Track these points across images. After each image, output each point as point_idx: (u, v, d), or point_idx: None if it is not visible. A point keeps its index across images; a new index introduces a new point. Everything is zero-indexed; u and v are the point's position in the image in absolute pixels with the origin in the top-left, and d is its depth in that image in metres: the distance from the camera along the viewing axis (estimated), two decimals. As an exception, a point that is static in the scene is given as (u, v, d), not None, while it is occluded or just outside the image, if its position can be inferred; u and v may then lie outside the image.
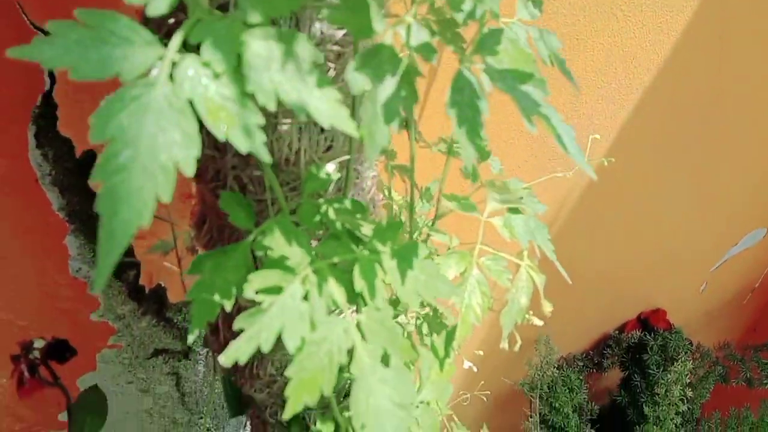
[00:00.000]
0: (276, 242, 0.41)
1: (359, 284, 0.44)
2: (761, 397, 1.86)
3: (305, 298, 0.41)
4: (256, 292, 0.40)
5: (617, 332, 1.83)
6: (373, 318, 0.44)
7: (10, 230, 0.93)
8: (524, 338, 1.71)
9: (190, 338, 0.46)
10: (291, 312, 0.40)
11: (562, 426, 1.71)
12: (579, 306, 1.76)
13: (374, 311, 0.44)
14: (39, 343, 0.90)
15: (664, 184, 1.56)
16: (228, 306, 0.45)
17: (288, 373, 0.41)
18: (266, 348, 0.39)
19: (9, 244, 0.95)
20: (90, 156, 0.89)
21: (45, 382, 0.92)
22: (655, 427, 1.66)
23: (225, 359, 0.39)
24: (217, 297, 0.46)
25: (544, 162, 1.23)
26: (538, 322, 0.66)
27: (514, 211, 0.65)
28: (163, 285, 1.08)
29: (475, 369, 0.81)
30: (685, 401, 1.62)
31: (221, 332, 0.79)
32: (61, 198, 0.92)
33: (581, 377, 1.77)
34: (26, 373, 0.88)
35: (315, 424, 0.78)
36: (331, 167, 0.50)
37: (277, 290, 0.41)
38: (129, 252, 1.02)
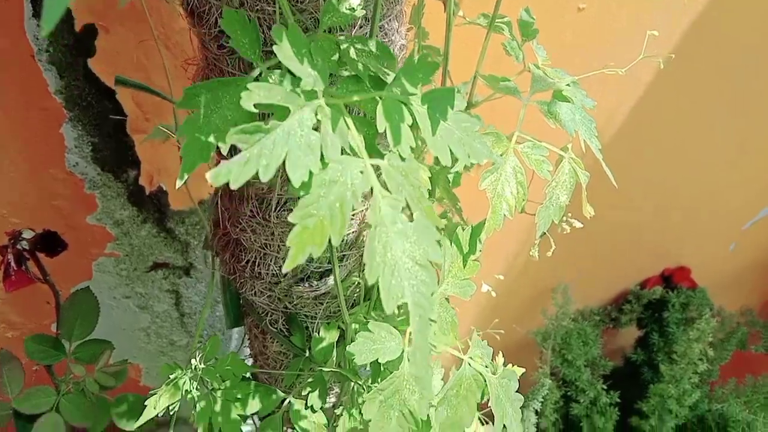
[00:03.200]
0: (283, 53, 0.34)
1: (382, 125, 0.36)
2: (780, 367, 1.79)
3: (316, 129, 0.34)
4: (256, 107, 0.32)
5: (638, 287, 1.75)
6: (396, 167, 0.36)
7: (2, 112, 0.86)
8: (541, 287, 1.64)
9: (179, 182, 0.39)
10: (298, 140, 0.33)
11: (573, 380, 1.64)
12: (601, 257, 1.69)
13: (398, 159, 0.36)
14: (28, 234, 0.84)
15: (701, 134, 1.47)
16: (224, 148, 0.37)
17: (292, 218, 0.34)
18: (265, 175, 0.32)
19: (1, 128, 0.88)
20: (90, 31, 0.82)
21: (33, 276, 0.85)
22: (670, 386, 1.59)
23: (213, 177, 0.32)
24: (212, 138, 0.38)
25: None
26: (578, 224, 0.58)
27: (560, 97, 0.57)
28: (164, 188, 1.01)
29: (493, 293, 0.74)
30: (705, 360, 1.55)
31: (219, 239, 0.72)
32: (59, 79, 0.85)
33: (597, 332, 1.70)
34: (13, 264, 0.82)
35: (318, 332, 0.72)
36: (355, 0, 0.42)
37: (282, 113, 0.33)
38: (129, 148, 0.95)
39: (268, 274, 0.69)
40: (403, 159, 0.37)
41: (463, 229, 0.56)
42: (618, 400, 1.63)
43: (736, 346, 1.76)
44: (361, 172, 0.34)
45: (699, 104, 1.39)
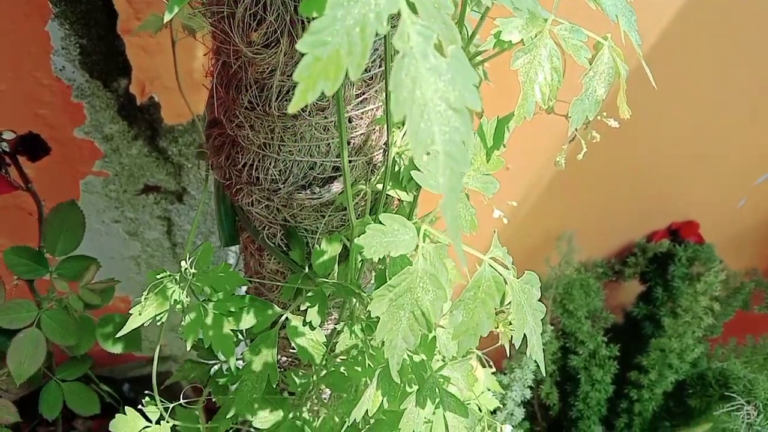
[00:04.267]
0: None
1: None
2: (782, 328, 1.76)
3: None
4: None
5: (644, 241, 1.71)
6: (428, -4, 0.30)
7: (-19, 3, 0.79)
8: (546, 234, 1.59)
9: (167, 16, 0.33)
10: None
11: (573, 331, 1.60)
12: (607, 208, 1.63)
13: (430, -12, 0.30)
14: (8, 135, 0.78)
15: (716, 86, 1.40)
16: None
17: (301, 46, 0.28)
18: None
19: (-20, 21, 0.81)
20: None
21: (14, 183, 0.80)
22: (672, 340, 1.56)
23: None
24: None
25: None
26: (614, 124, 0.52)
27: (600, -20, 0.50)
28: (156, 100, 0.95)
29: (505, 220, 0.68)
30: (711, 315, 1.51)
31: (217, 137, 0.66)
32: (43, -33, 0.78)
33: (599, 284, 1.65)
34: (-8, 167, 0.76)
35: (320, 246, 0.67)
36: None
37: None
38: (120, 53, 0.88)
39: (266, 179, 0.64)
40: (436, -10, 0.31)
41: (488, 120, 0.50)
42: (617, 354, 1.60)
43: (741, 304, 1.73)
44: (389, -10, 0.28)
45: (719, 49, 1.32)
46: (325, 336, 0.71)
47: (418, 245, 0.44)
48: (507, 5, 0.34)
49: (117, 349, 0.87)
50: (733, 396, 1.54)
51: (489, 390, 1.04)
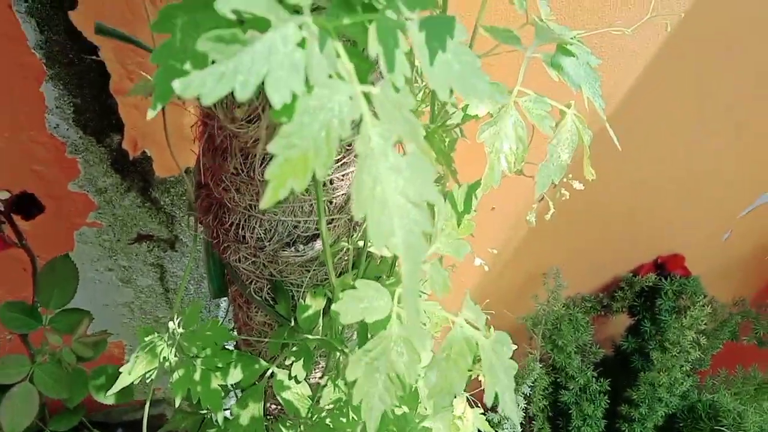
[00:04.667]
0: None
1: (374, 49, 0.33)
2: (771, 359, 1.77)
3: (301, 45, 0.31)
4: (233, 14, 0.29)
5: (631, 275, 1.73)
6: (389, 97, 0.33)
7: (-22, 68, 0.82)
8: (533, 271, 1.62)
9: (151, 113, 0.36)
10: (281, 58, 0.30)
11: (564, 366, 1.62)
12: (593, 243, 1.66)
13: (391, 89, 0.33)
14: (3, 195, 0.80)
15: (698, 118, 1.44)
16: (189, 96, 0.34)
17: (272, 148, 0.31)
18: (241, 95, 0.29)
19: (-23, 85, 0.84)
20: (72, -18, 0.78)
21: (8, 240, 0.82)
22: (661, 374, 1.57)
23: (182, 86, 0.29)
24: (188, 65, 0.35)
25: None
26: (579, 186, 0.55)
27: (565, 51, 0.54)
28: (149, 154, 0.98)
29: (486, 267, 0.71)
30: (698, 348, 1.53)
31: (203, 200, 0.69)
32: (39, 33, 0.81)
33: (588, 318, 1.67)
34: (-13, 227, 0.78)
35: (304, 300, 0.69)
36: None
37: (263, 26, 0.30)
38: (112, 111, 0.91)
39: (252, 237, 0.66)
40: (397, 90, 0.34)
41: (459, 187, 0.53)
42: (608, 388, 1.61)
43: (729, 335, 1.74)
44: (351, 98, 0.31)
45: (697, 88, 1.36)
46: (312, 385, 0.73)
47: (392, 310, 0.46)
48: (464, 96, 0.37)
49: (109, 400, 0.88)
50: (723, 430, 1.55)
51: (479, 431, 1.05)
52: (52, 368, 0.86)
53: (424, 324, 0.50)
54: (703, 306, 1.50)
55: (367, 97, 0.32)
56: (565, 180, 0.55)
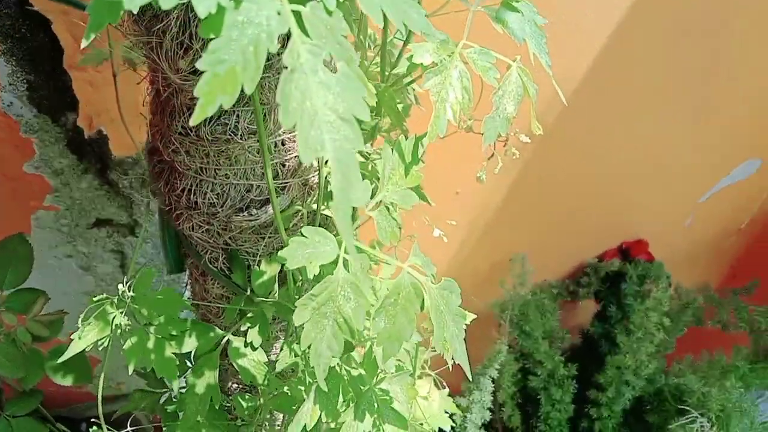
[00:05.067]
0: None
1: (304, -31, 0.33)
2: (734, 343, 1.80)
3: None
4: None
5: (596, 260, 1.75)
6: (321, 18, 0.33)
7: (-75, 42, 0.81)
8: (499, 257, 1.63)
9: (84, 43, 0.36)
10: (205, -32, 0.30)
11: (531, 352, 1.63)
12: (558, 229, 1.68)
13: (323, 11, 0.33)
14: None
15: (657, 104, 1.46)
16: (134, 6, 0.34)
17: (200, 64, 0.30)
18: (163, 5, 0.29)
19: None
20: (19, -49, 0.77)
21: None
22: (627, 356, 1.59)
23: None
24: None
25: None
26: (525, 139, 0.56)
27: (510, 7, 0.54)
28: (104, 132, 0.96)
29: (445, 239, 0.71)
30: (662, 330, 1.55)
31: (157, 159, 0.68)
32: (-14, 5, 0.80)
33: (555, 304, 1.69)
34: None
35: (259, 266, 0.68)
36: None
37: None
38: (67, 88, 0.90)
39: (204, 203, 0.66)
40: (329, 12, 0.34)
41: (406, 138, 0.53)
42: (576, 373, 1.63)
43: (692, 318, 1.77)
44: (279, 13, 0.31)
45: (655, 69, 1.38)
46: (273, 359, 0.72)
47: (338, 255, 0.46)
48: (400, 27, 0.37)
49: (67, 381, 0.87)
50: (688, 409, 1.57)
51: (446, 412, 1.05)
52: (6, 348, 0.84)
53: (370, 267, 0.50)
54: (666, 288, 1.53)
55: (297, 16, 0.32)
56: (512, 134, 0.55)
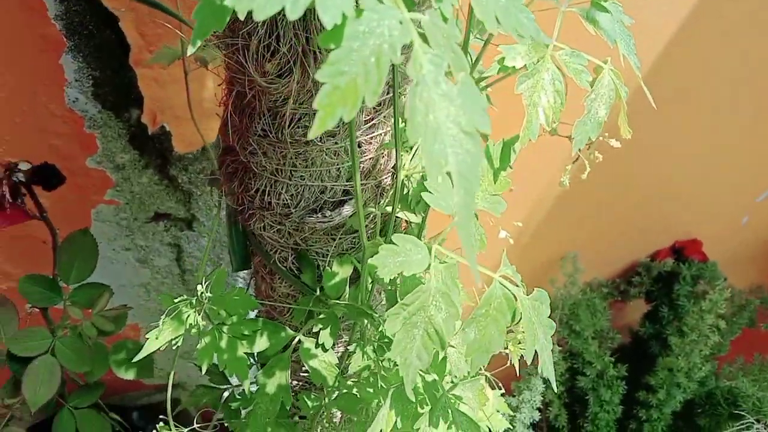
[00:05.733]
0: None
1: (423, -23, 0.32)
2: (788, 346, 1.75)
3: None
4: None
5: (648, 260, 1.71)
6: (439, 26, 0.32)
7: (0, 38, 0.81)
8: (550, 256, 1.60)
9: (190, 50, 0.35)
10: (331, -23, 0.29)
11: (580, 351, 1.61)
12: (611, 228, 1.65)
13: (440, 19, 0.32)
14: (24, 166, 0.79)
15: (716, 101, 1.42)
16: (241, 13, 0.33)
17: (320, 76, 0.30)
18: (293, 12, 0.28)
19: (-3, 56, 0.83)
20: (93, -51, 0.77)
21: (29, 212, 0.81)
22: (679, 359, 1.56)
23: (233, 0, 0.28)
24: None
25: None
26: (616, 144, 0.54)
27: (599, 6, 0.52)
28: (167, 129, 0.97)
29: (511, 240, 0.70)
30: (717, 333, 1.51)
31: (229, 165, 0.68)
32: (58, 3, 0.80)
33: (605, 303, 1.66)
34: (8, 197, 0.78)
35: (331, 268, 0.68)
36: None
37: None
38: (132, 84, 0.90)
39: (278, 204, 0.65)
40: (445, 20, 0.32)
41: (494, 143, 0.52)
42: (625, 374, 1.60)
43: (747, 321, 1.73)
44: (401, 23, 0.30)
45: (717, 69, 1.34)
46: (336, 358, 0.72)
47: (430, 264, 0.45)
48: (512, 33, 0.36)
49: (130, 375, 0.88)
50: (742, 414, 1.53)
51: (498, 411, 1.04)
52: (73, 342, 0.85)
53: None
54: (722, 290, 1.49)
55: (415, 24, 0.31)
56: (600, 139, 0.54)
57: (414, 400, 0.52)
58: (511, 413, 1.39)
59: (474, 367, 0.47)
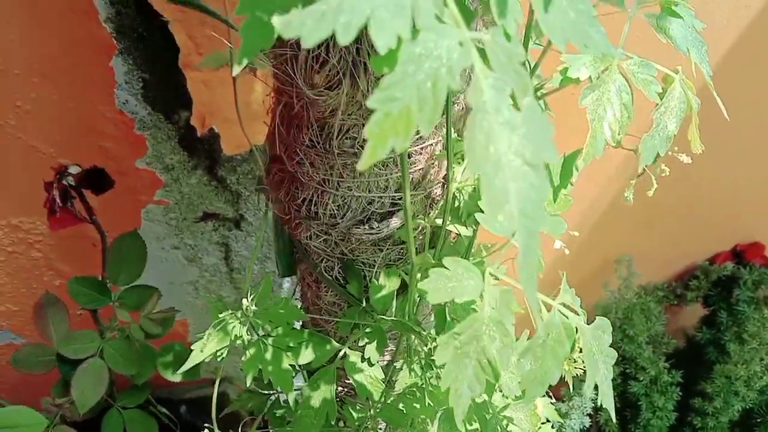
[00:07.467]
0: None
1: (484, -6, 0.29)
2: None
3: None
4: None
5: (707, 263, 1.64)
6: (502, 46, 0.29)
7: (53, 39, 0.82)
8: (604, 258, 1.55)
9: (236, 69, 0.33)
10: (385, -3, 0.26)
11: (634, 356, 1.56)
12: (667, 230, 1.58)
13: (502, 37, 0.30)
14: (74, 170, 0.80)
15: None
16: (288, 36, 0.31)
17: (371, 102, 0.27)
18: (344, 35, 0.26)
19: (50, 59, 0.84)
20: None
21: (79, 216, 0.82)
22: (738, 366, 1.49)
23: (282, 24, 0.26)
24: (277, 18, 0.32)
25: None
26: (686, 159, 0.50)
27: (671, 12, 0.49)
28: (216, 131, 0.96)
29: (566, 250, 0.66)
30: (780, 342, 1.44)
31: (276, 172, 0.67)
32: (109, 5, 0.80)
33: (660, 308, 1.60)
34: (58, 201, 0.78)
35: (378, 280, 0.66)
36: None
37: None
38: (181, 86, 0.90)
39: (325, 214, 0.64)
40: (508, 38, 0.30)
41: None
42: (680, 380, 1.54)
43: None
44: (460, 44, 0.28)
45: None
46: (382, 371, 0.70)
47: (483, 291, 0.43)
48: (579, 48, 0.33)
49: (176, 378, 0.88)
50: (806, 427, 1.46)
51: (548, 420, 1.01)
52: (121, 344, 0.86)
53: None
54: (787, 297, 1.42)
55: (476, 45, 0.29)
56: (669, 154, 0.50)
57: (464, 430, 0.50)
58: (561, 420, 1.36)
59: (528, 398, 0.44)
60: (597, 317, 0.45)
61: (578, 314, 0.44)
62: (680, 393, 1.55)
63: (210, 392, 0.90)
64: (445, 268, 0.43)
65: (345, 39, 0.26)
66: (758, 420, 1.57)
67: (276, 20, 0.25)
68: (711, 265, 1.63)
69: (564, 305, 0.44)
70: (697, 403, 1.55)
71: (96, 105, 0.90)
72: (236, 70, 0.33)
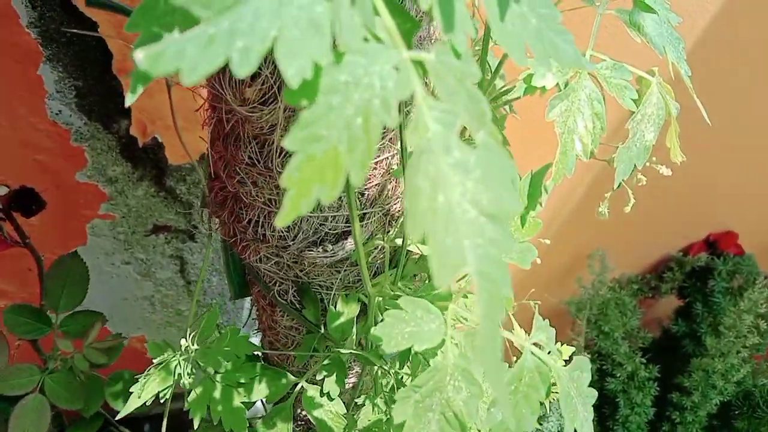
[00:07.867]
0: None
1: (426, 0, 0.24)
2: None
3: (326, -2, 0.21)
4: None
5: (681, 254, 1.62)
6: (449, 66, 0.24)
7: (-32, 50, 0.74)
8: (576, 253, 1.51)
9: (129, 99, 0.27)
10: (295, 11, 0.20)
11: (610, 352, 1.52)
12: (640, 221, 1.54)
13: (450, 55, 0.24)
14: (1, 190, 0.72)
15: (751, 88, 1.31)
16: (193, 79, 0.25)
17: (288, 143, 0.22)
18: (241, 68, 0.20)
19: (-32, 69, 0.76)
20: (63, -50, 0.69)
21: (9, 240, 0.75)
22: (715, 360, 1.47)
23: (146, 59, 0.20)
24: (176, 32, 0.26)
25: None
26: (666, 171, 0.45)
27: (644, 6, 0.43)
28: (159, 140, 0.89)
29: (538, 260, 0.61)
30: (756, 333, 1.42)
31: (218, 188, 0.60)
32: (31, 9, 0.72)
33: (635, 301, 1.57)
34: (-16, 226, 0.71)
35: (335, 307, 0.60)
36: None
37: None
38: (118, 93, 0.83)
39: (274, 236, 0.58)
40: (458, 56, 0.24)
41: (520, 178, 0.43)
42: (657, 375, 1.51)
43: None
44: (396, 69, 0.22)
45: (753, 58, 1.24)
46: (344, 393, 0.64)
47: (446, 336, 0.37)
48: (542, 62, 0.27)
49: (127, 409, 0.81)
50: (784, 417, 1.45)
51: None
52: (63, 377, 0.79)
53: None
54: (762, 288, 1.39)
55: (418, 66, 0.23)
56: (647, 164, 0.45)
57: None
58: (539, 426, 1.32)
59: (501, 451, 0.39)
60: (575, 358, 0.40)
61: (551, 353, 0.39)
62: (658, 388, 1.52)
63: (177, 407, 0.84)
64: (402, 309, 0.38)
65: (244, 70, 0.20)
66: (736, 412, 1.55)
67: (139, 55, 0.19)
68: (685, 257, 1.61)
69: (536, 345, 0.39)
70: (675, 397, 1.53)
71: (26, 117, 0.83)
72: (130, 99, 0.27)
